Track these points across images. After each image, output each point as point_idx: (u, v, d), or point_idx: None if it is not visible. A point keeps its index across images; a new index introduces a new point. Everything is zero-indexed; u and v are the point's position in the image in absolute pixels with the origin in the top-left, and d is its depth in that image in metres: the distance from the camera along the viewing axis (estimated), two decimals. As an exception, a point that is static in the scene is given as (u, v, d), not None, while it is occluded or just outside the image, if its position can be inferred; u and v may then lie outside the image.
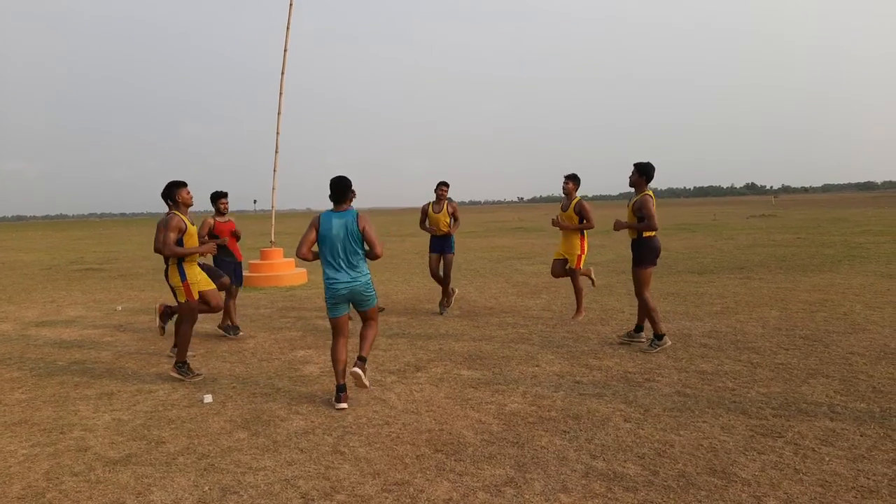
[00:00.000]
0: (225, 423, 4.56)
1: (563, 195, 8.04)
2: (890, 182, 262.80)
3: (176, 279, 5.74)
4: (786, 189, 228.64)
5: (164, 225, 5.60)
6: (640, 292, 6.31)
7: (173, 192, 5.74)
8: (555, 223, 8.01)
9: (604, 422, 4.36)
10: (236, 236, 7.68)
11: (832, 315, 7.65)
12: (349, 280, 4.82)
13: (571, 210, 7.83)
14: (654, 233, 6.27)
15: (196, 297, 5.82)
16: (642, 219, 6.18)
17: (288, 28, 13.32)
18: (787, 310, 8.09)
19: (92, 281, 14.81)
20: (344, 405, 4.78)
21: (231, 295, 7.56)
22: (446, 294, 8.67)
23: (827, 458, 3.66)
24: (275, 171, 13.48)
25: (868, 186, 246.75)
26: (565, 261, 7.99)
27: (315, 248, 4.98)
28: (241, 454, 3.98)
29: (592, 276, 8.22)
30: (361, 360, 4.98)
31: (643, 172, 6.27)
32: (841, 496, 3.21)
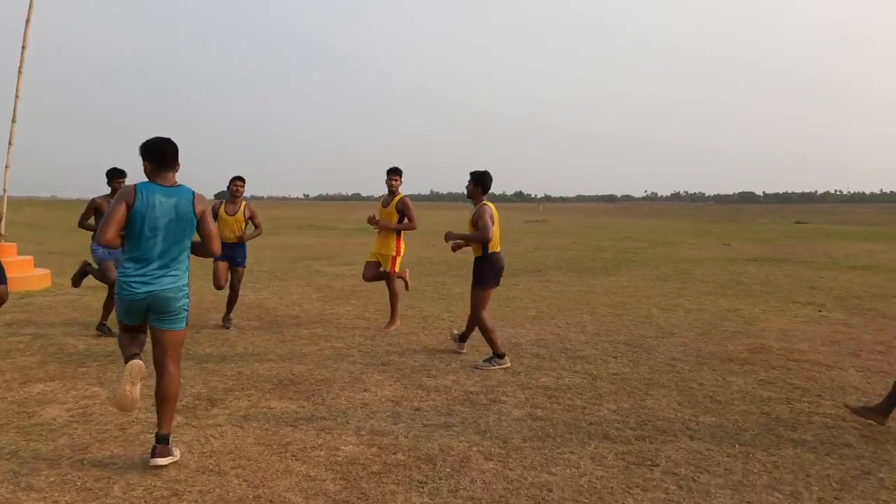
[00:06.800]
0: None
1: (386, 190, 7.27)
2: (627, 196, 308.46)
3: None
4: (548, 198, 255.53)
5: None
6: (476, 314, 5.74)
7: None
8: (371, 221, 7.21)
9: (463, 463, 3.59)
10: None
11: (637, 319, 7.87)
12: (158, 281, 3.43)
13: (393, 207, 7.10)
14: (498, 248, 5.79)
15: None
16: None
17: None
18: (596, 314, 8.19)
19: None
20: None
21: None
22: (230, 309, 7.31)
23: (712, 490, 3.30)
24: (10, 144, 10.60)
25: (611, 199, 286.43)
26: (379, 263, 7.21)
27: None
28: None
29: (407, 278, 7.50)
30: (163, 443, 3.45)
31: (479, 182, 5.85)
32: (749, 541, 2.81)
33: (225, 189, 7.58)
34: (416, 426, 4.14)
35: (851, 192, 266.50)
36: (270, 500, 3.11)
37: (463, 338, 6.10)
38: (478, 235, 5.66)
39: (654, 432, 4.10)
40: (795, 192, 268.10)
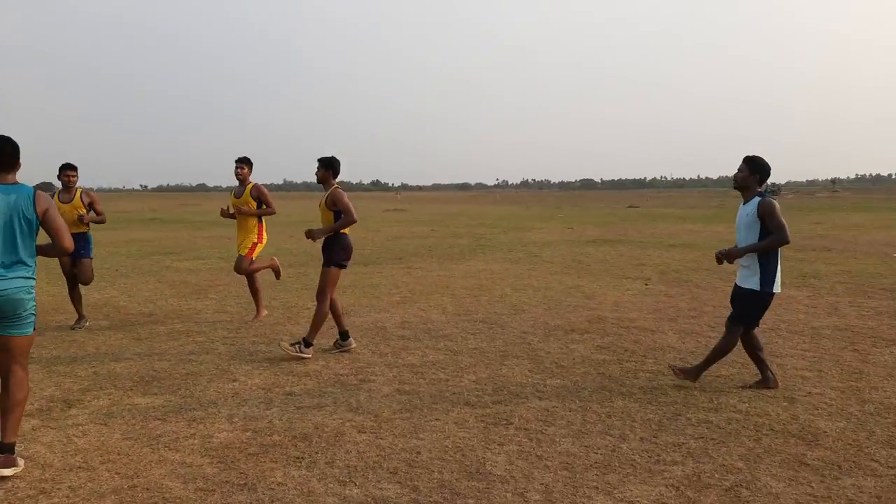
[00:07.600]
0: None
1: (237, 181, 7.21)
2: (480, 184, 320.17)
3: None
4: (405, 186, 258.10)
5: None
6: (323, 294, 5.66)
7: None
8: (224, 213, 7.15)
9: (337, 437, 3.82)
10: None
11: (492, 299, 8.48)
12: (5, 282, 3.27)
13: (247, 195, 7.08)
14: (347, 230, 5.92)
15: None
16: (339, 214, 5.77)
17: None
18: (455, 296, 8.69)
19: None
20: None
21: None
22: (79, 309, 6.92)
23: (557, 439, 3.81)
24: None
25: (465, 187, 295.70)
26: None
27: None
28: None
29: (278, 265, 7.51)
30: (8, 452, 3.28)
31: (329, 166, 5.92)
32: (586, 477, 3.33)
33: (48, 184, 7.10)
34: (289, 409, 4.29)
35: (674, 178, 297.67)
36: (147, 489, 3.14)
37: (344, 335, 5.87)
38: (346, 220, 5.67)
39: (508, 396, 4.59)
40: (629, 178, 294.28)
